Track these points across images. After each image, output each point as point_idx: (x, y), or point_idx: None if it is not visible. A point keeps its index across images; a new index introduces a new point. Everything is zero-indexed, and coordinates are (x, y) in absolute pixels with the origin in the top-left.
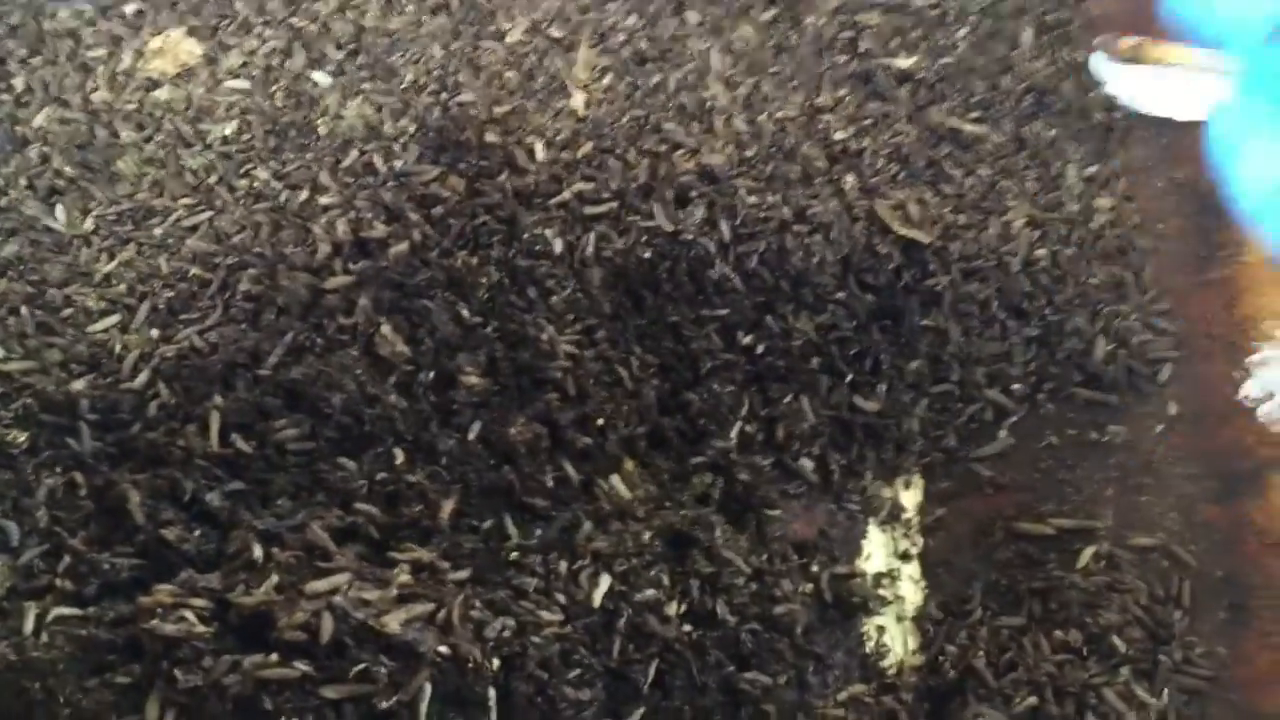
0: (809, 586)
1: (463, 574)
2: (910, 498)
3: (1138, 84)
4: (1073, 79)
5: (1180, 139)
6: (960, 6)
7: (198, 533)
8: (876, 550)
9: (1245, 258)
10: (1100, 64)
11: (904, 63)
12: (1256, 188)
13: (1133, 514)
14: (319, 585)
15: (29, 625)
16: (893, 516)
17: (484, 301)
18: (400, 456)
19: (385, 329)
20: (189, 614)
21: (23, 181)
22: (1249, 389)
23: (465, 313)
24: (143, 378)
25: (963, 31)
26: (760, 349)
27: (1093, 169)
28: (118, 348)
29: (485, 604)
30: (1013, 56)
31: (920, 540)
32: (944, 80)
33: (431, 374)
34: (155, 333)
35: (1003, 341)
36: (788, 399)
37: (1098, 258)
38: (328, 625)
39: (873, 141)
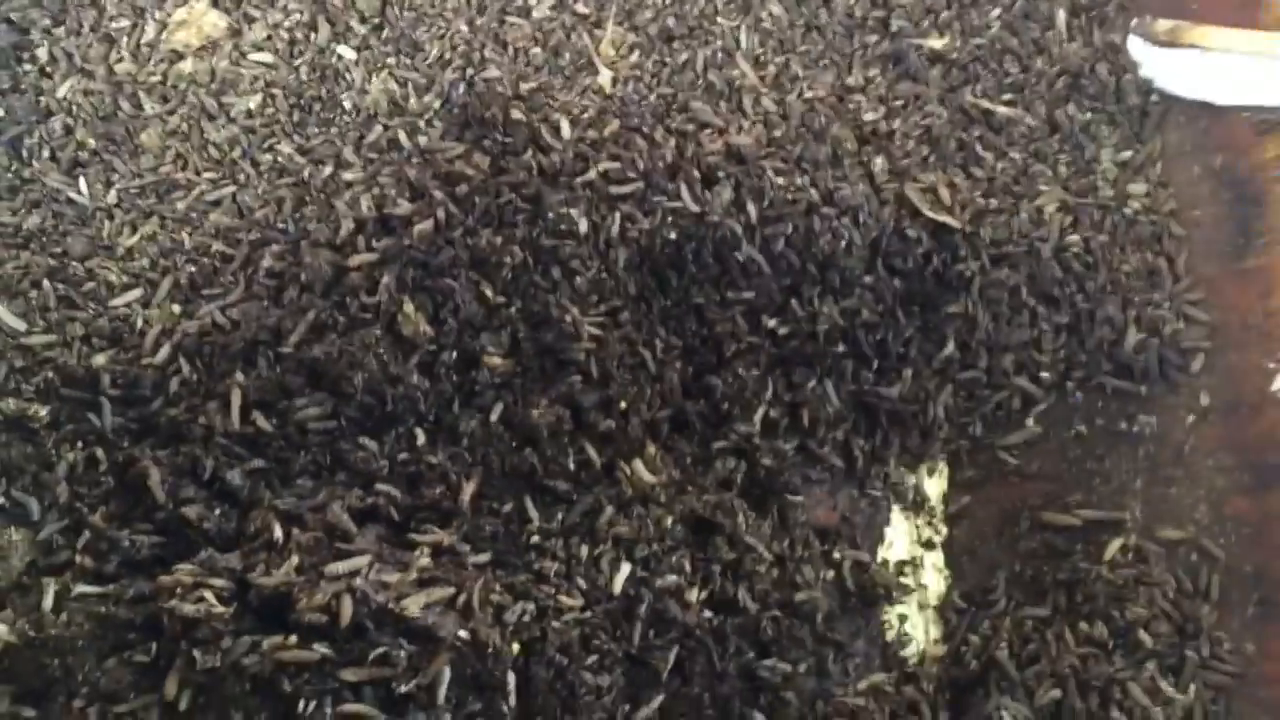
0: (831, 574)
1: (483, 557)
2: (935, 485)
3: (1175, 68)
4: (1108, 61)
5: (1217, 124)
6: None
7: (218, 511)
8: (900, 538)
9: None
10: (1137, 47)
11: (936, 43)
12: None
13: (1161, 506)
14: (339, 567)
15: (49, 602)
16: (916, 504)
17: (508, 281)
18: (422, 437)
19: (408, 308)
20: (208, 594)
21: (46, 153)
22: None
23: (489, 292)
24: (164, 353)
25: (996, 12)
26: (785, 333)
27: (1127, 154)
28: (140, 323)
29: (505, 588)
30: (1047, 38)
31: (944, 528)
32: (976, 61)
33: (454, 354)
34: (177, 308)
35: (1032, 329)
36: (812, 384)
37: (1131, 244)
38: (348, 608)
39: (903, 123)
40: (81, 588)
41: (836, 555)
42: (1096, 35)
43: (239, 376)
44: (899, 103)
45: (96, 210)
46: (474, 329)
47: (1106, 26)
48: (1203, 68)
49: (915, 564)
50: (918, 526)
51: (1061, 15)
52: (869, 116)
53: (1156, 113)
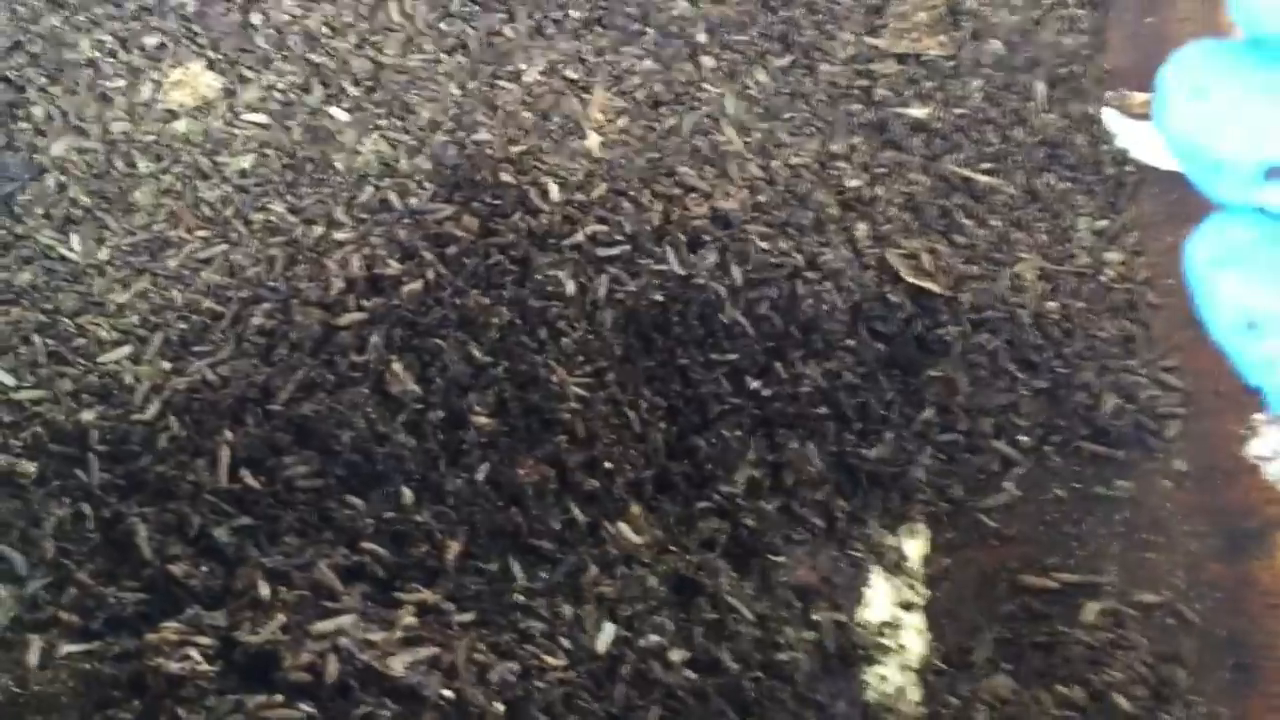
0: (811, 634)
1: (468, 616)
2: (915, 547)
3: (1148, 139)
4: (1085, 132)
5: (1189, 196)
6: (974, 58)
7: (205, 568)
8: (880, 599)
9: None
10: (1113, 119)
11: (918, 112)
12: (1227, 317)
13: (1138, 570)
14: (325, 626)
15: (34, 658)
16: (897, 565)
17: (495, 341)
18: (408, 496)
19: (396, 367)
20: (194, 652)
21: (39, 210)
22: (1255, 447)
23: (476, 352)
24: (153, 410)
25: (976, 83)
26: (768, 394)
27: (1103, 223)
28: (129, 379)
29: (490, 647)
30: (1026, 109)
31: (925, 590)
32: (958, 130)
33: (441, 413)
34: (167, 365)
35: (1011, 393)
36: (795, 445)
37: (1107, 311)
38: (333, 666)
39: (886, 190)
40: (67, 646)
41: (817, 616)
42: (1074, 107)
43: (228, 434)
44: (882, 170)
45: (88, 267)
46: (461, 388)
47: (1083, 99)
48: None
49: (895, 625)
50: (898, 588)
51: (1040, 87)
52: (852, 183)
53: (1131, 183)
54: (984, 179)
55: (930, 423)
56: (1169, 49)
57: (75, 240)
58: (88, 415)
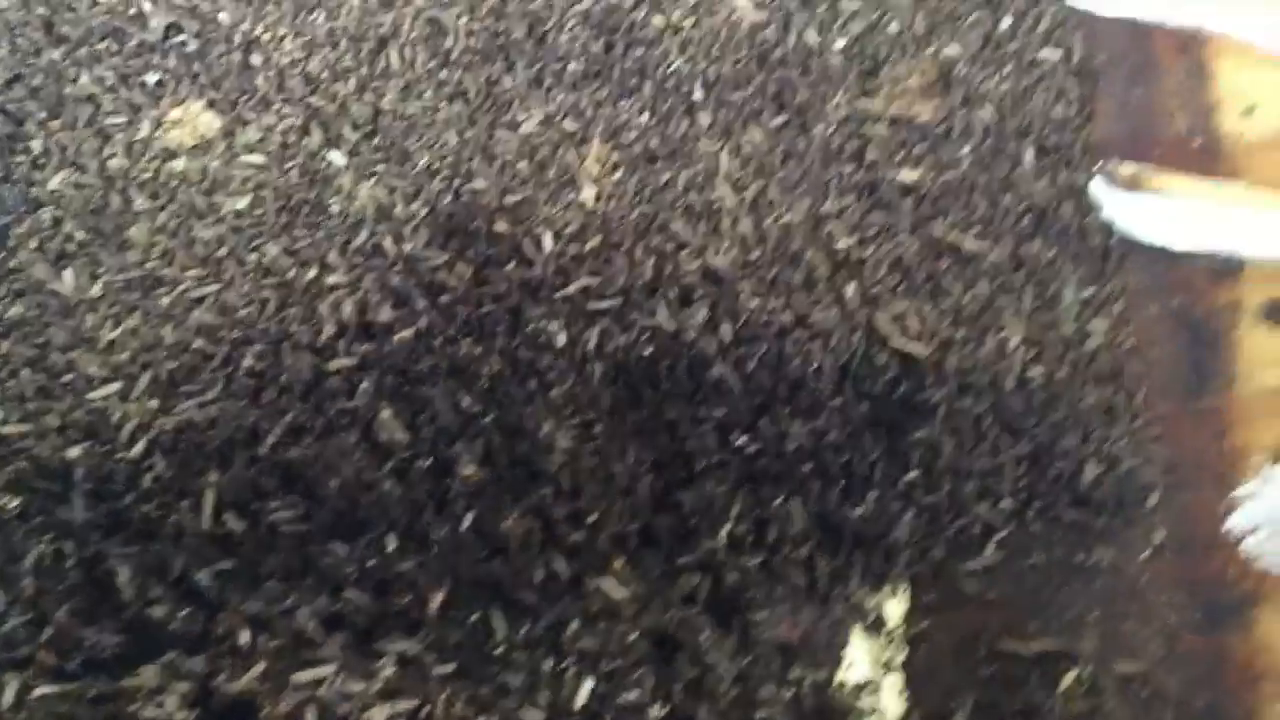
0: (790, 693)
1: (448, 668)
2: (896, 608)
3: (1136, 211)
4: (1072, 201)
5: (1175, 267)
6: (965, 124)
7: (185, 611)
8: (859, 659)
9: (1236, 390)
10: (1100, 189)
11: (908, 176)
12: None
13: (1116, 640)
14: (304, 676)
15: (9, 698)
16: (877, 625)
17: (485, 391)
18: (392, 544)
19: (385, 414)
20: (171, 698)
21: (33, 244)
22: (1234, 522)
23: (466, 402)
24: (139, 448)
25: (967, 148)
26: (754, 451)
27: (1089, 291)
28: (116, 416)
29: (468, 700)
30: (1014, 176)
31: (904, 651)
32: (947, 195)
33: (428, 462)
34: (155, 404)
35: (994, 458)
36: (779, 502)
37: (1091, 380)
38: (311, 717)
39: (875, 251)
40: (43, 688)
41: (796, 675)
42: (1062, 176)
43: (213, 476)
44: (872, 231)
45: (80, 302)
46: (449, 437)
47: (1072, 168)
48: (1162, 213)
49: (874, 687)
50: (878, 648)
51: (1029, 155)
52: (842, 244)
53: (1118, 253)
54: (972, 244)
55: (914, 484)
56: (1156, 122)
57: (68, 275)
58: (73, 452)
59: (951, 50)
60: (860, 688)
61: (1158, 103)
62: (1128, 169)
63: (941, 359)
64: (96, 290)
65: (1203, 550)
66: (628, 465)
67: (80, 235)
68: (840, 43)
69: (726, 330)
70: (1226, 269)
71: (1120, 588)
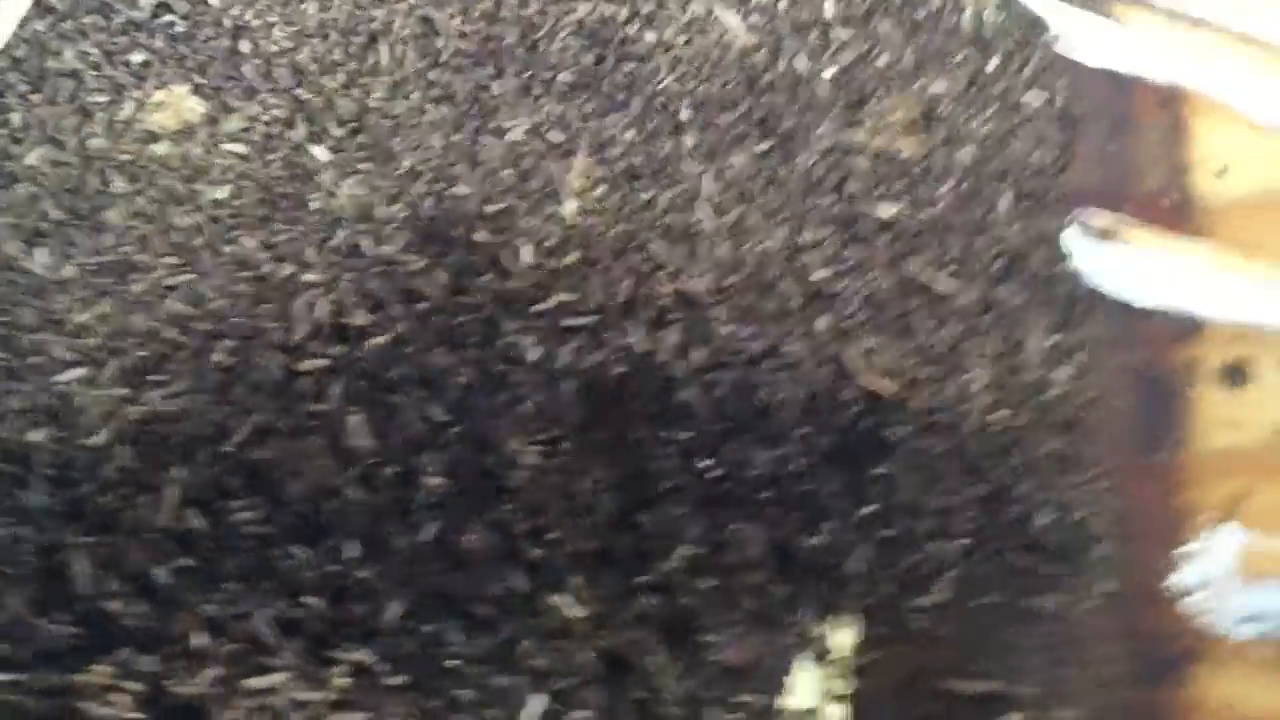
0: (736, 716)
1: (400, 679)
2: (845, 638)
3: (1106, 263)
4: (1044, 248)
5: (1140, 322)
6: (945, 163)
7: (141, 608)
8: (806, 687)
9: (1189, 448)
10: (1072, 238)
11: (887, 211)
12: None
13: (1057, 686)
14: (257, 682)
15: None
16: (825, 655)
17: (454, 402)
18: (353, 551)
19: (354, 420)
20: (122, 697)
21: (7, 219)
22: (1178, 579)
23: (435, 412)
24: (103, 436)
25: (944, 188)
26: (716, 475)
27: (1054, 339)
28: (81, 402)
29: (420, 712)
30: (990, 218)
31: (851, 682)
32: (922, 233)
33: (394, 470)
34: (122, 391)
35: (951, 497)
36: (736, 527)
37: (1050, 427)
38: None
39: (848, 285)
40: None
41: (742, 698)
42: (1037, 222)
43: (177, 470)
44: (847, 265)
45: (51, 283)
46: (416, 446)
47: (1046, 215)
48: (1131, 266)
49: (818, 715)
50: (825, 678)
51: (1006, 198)
52: (817, 275)
53: (1084, 303)
54: (943, 284)
55: (871, 518)
56: (1132, 176)
57: (41, 254)
58: (36, 436)
59: (938, 87)
60: (804, 715)
61: (1134, 156)
62: (1100, 220)
63: (906, 397)
64: (69, 271)
65: (1146, 604)
66: (591, 483)
67: (56, 214)
68: (829, 72)
69: (697, 355)
70: (1187, 327)
71: (1064, 635)
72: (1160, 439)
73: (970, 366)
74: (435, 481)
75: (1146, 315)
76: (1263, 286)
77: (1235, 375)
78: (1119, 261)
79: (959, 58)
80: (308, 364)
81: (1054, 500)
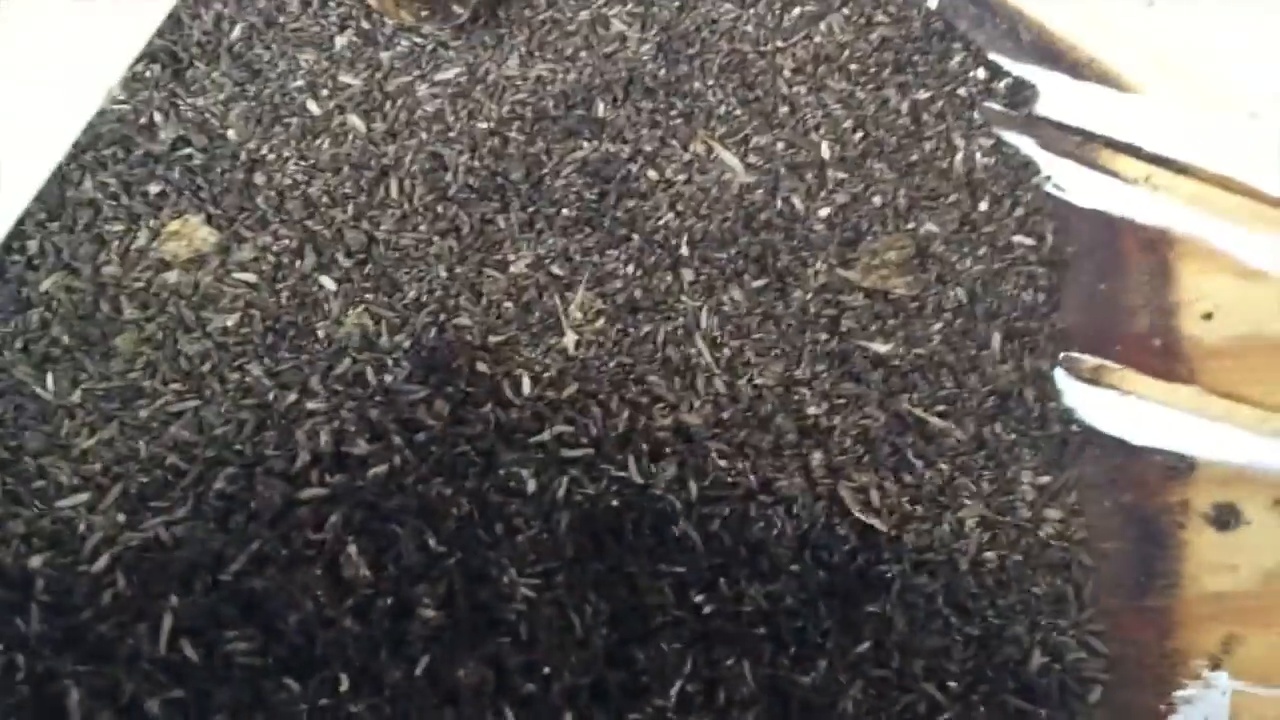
0: None
1: None
2: None
3: (1096, 403)
4: (1035, 387)
5: (1130, 462)
6: (937, 302)
7: None
8: None
9: (1182, 591)
10: (1063, 378)
11: (880, 348)
12: None
13: None
14: None
15: None
16: None
17: (452, 533)
18: (346, 683)
19: (351, 549)
20: None
21: (18, 344)
22: None
23: (432, 542)
24: (102, 563)
25: (937, 326)
26: (711, 610)
27: (1046, 479)
28: (82, 527)
29: None
30: (981, 357)
31: None
32: (915, 370)
33: (390, 601)
34: (122, 517)
35: (944, 637)
36: (730, 663)
37: (1042, 568)
38: None
39: (843, 421)
40: None
41: None
42: (1027, 361)
43: (173, 599)
44: (841, 401)
45: (59, 408)
46: (413, 578)
47: (1036, 354)
48: (1120, 408)
49: None
50: None
51: (996, 338)
52: (812, 410)
53: (1075, 443)
54: (936, 421)
55: (864, 656)
56: (1120, 318)
57: (50, 379)
58: (35, 561)
59: (930, 228)
60: None
61: (1122, 299)
62: (1090, 362)
63: (900, 534)
64: (76, 397)
65: None
66: (586, 617)
67: (66, 339)
68: (824, 211)
69: (693, 489)
70: (1179, 468)
71: None
72: (1153, 582)
73: (963, 504)
74: (430, 614)
75: (1137, 456)
76: (1252, 429)
77: (1227, 517)
78: (1109, 402)
79: (951, 199)
80: (308, 493)
81: (1048, 643)
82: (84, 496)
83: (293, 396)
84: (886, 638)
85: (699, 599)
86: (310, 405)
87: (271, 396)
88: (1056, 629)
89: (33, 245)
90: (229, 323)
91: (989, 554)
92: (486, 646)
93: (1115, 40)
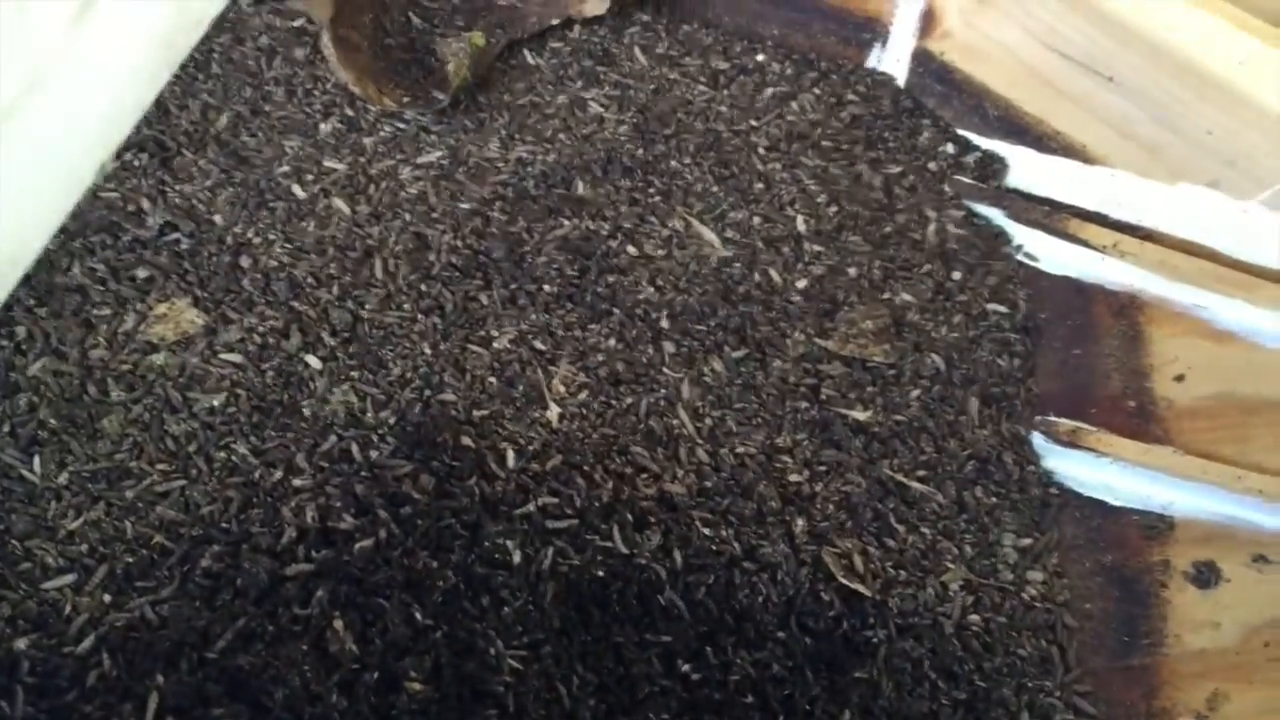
0: None
1: None
2: None
3: (1073, 465)
4: (1013, 451)
5: (1110, 523)
6: (915, 369)
7: None
8: None
9: (1166, 649)
10: (1040, 441)
11: (860, 415)
12: None
13: None
14: None
15: None
16: None
17: (438, 606)
18: None
19: (338, 624)
20: None
21: (6, 428)
22: None
23: (418, 615)
24: (88, 644)
25: (915, 392)
26: (698, 679)
27: (1027, 541)
28: (68, 609)
29: None
30: (959, 422)
31: None
32: (895, 437)
33: (376, 675)
34: (108, 598)
35: (932, 702)
36: None
37: (1027, 630)
38: None
39: (825, 488)
40: None
41: None
42: (1005, 425)
43: (159, 678)
44: (822, 468)
45: (46, 490)
46: (399, 651)
47: (1014, 419)
48: (1098, 469)
49: None
50: None
51: (974, 403)
52: (794, 478)
53: (1055, 505)
54: (917, 486)
55: None
56: (1094, 381)
57: (37, 462)
58: (21, 643)
59: (905, 297)
60: None
61: (1096, 363)
62: (1066, 425)
63: (884, 599)
64: (63, 479)
65: None
66: (573, 688)
67: (54, 422)
68: (802, 283)
69: (678, 558)
70: (1158, 528)
71: None
72: (1136, 641)
73: (946, 568)
74: (417, 687)
75: (1117, 516)
76: (1228, 487)
77: (1207, 575)
78: (1087, 464)
79: (925, 269)
80: (293, 568)
81: (1035, 705)
82: (70, 577)
83: (279, 474)
84: (874, 704)
85: (686, 668)
86: (296, 482)
87: (257, 474)
88: (1043, 690)
89: (21, 330)
90: (215, 403)
91: (974, 617)
92: (474, 719)
93: (1079, 114)
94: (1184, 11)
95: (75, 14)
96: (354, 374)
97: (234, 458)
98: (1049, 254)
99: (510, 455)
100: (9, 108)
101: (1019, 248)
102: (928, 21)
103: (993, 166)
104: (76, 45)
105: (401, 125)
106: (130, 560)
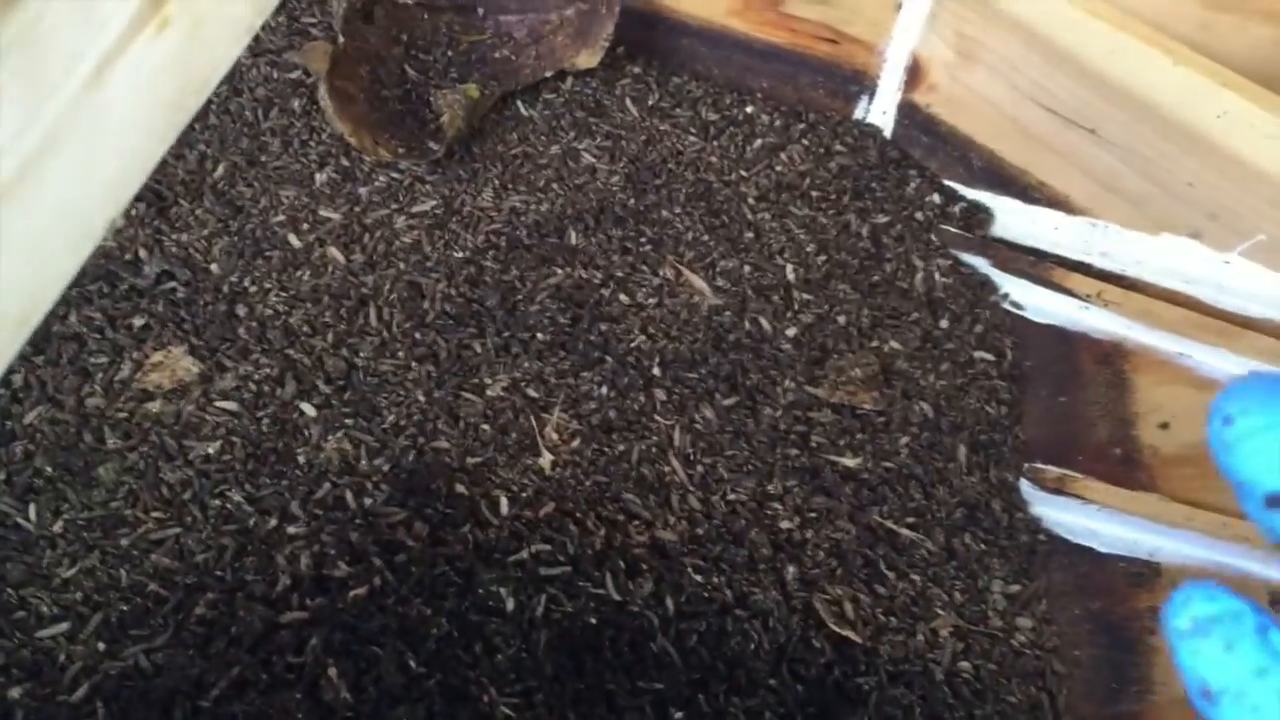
0: None
1: None
2: None
3: (1061, 512)
4: (1001, 498)
5: (1097, 570)
6: (904, 416)
7: None
8: None
9: (1154, 696)
10: (1028, 489)
11: (849, 462)
12: (1189, 684)
13: None
14: None
15: None
16: None
17: (432, 653)
18: None
19: (332, 672)
20: None
21: (1, 476)
22: None
23: (412, 663)
24: (82, 693)
25: (904, 440)
26: None
27: (1016, 587)
28: (62, 657)
29: None
30: (948, 469)
31: None
32: (884, 483)
33: None
34: (103, 646)
35: None
36: None
37: (1016, 676)
38: None
39: (815, 534)
40: None
41: None
42: (993, 472)
43: None
44: (813, 515)
45: (41, 538)
46: (392, 699)
47: (1002, 466)
48: (1085, 517)
49: None
50: None
51: (962, 450)
52: (784, 525)
53: (1043, 551)
54: (907, 533)
55: None
56: (1080, 429)
57: (32, 510)
58: (15, 692)
59: (893, 345)
60: None
61: (1082, 410)
62: (1053, 473)
63: (875, 646)
64: (58, 527)
65: None
66: None
67: (49, 470)
68: (791, 331)
69: (670, 605)
70: (1145, 574)
71: None
72: (1125, 688)
73: (936, 614)
74: None
75: (1104, 563)
76: (1213, 534)
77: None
78: (1074, 511)
79: (912, 317)
80: (288, 616)
81: None
82: (64, 626)
83: (273, 521)
84: None
85: (679, 715)
86: (291, 530)
87: (252, 522)
88: None
89: (17, 379)
90: (210, 450)
91: (964, 664)
92: None
93: (1064, 166)
94: (1167, 68)
95: (90, 78)
96: (348, 421)
97: (229, 505)
98: (1034, 302)
99: (504, 502)
100: (26, 167)
101: (1005, 296)
102: (914, 75)
103: (978, 216)
104: (91, 108)
105: (396, 175)
106: (125, 608)
